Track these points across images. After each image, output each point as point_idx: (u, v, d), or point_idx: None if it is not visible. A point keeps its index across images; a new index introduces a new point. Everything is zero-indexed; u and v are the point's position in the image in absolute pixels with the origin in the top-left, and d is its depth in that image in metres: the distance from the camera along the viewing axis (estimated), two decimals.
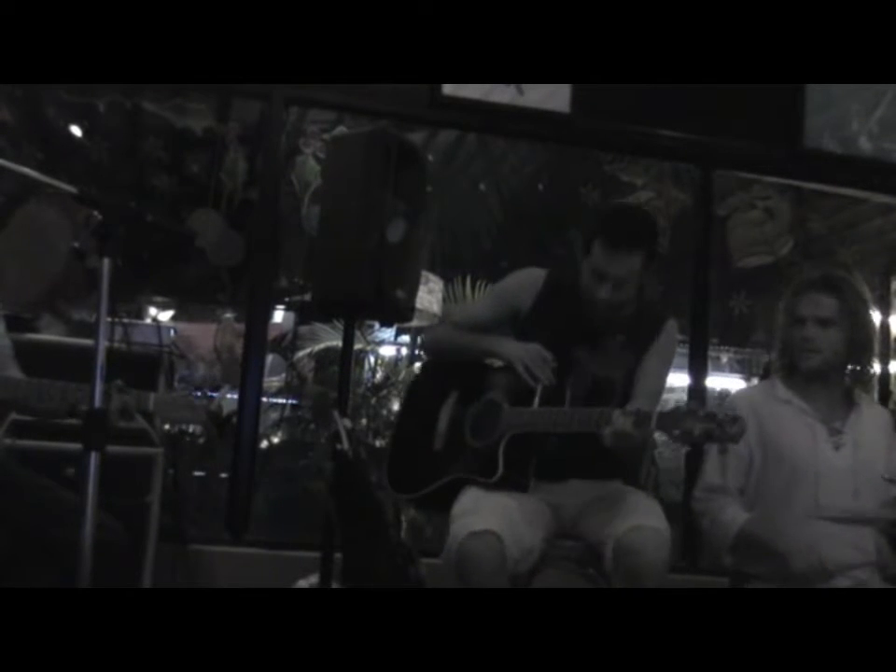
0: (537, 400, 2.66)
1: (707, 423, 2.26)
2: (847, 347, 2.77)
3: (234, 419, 3.76)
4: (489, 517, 2.49)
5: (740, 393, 3.04)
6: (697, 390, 4.44)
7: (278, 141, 4.22)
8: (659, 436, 2.65)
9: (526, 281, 2.92)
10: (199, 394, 5.36)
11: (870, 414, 2.85)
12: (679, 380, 5.67)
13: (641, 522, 2.49)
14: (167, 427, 3.50)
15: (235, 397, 4.02)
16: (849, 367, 2.82)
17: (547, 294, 2.86)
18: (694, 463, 4.28)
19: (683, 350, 4.80)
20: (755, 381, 7.27)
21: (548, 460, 2.72)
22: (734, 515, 2.71)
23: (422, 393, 3.02)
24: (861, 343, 2.79)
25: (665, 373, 2.87)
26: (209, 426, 2.79)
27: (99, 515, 1.95)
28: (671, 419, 2.33)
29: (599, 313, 2.73)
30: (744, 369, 8.09)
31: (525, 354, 2.72)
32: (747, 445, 2.77)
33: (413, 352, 6.52)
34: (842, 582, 2.59)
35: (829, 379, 2.80)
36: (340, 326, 4.88)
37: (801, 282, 2.86)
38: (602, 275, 2.69)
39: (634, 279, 2.72)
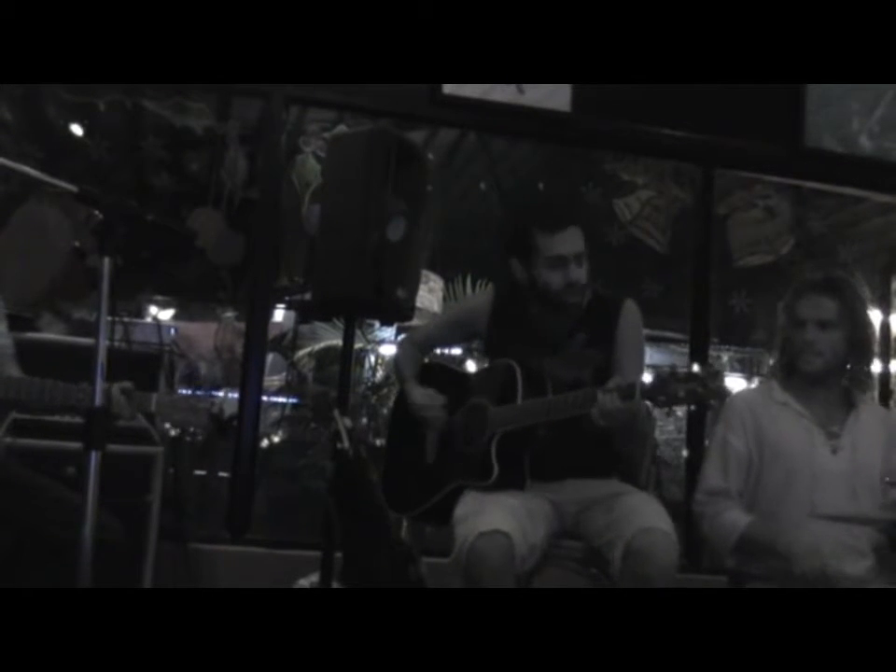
0: (520, 396, 2.67)
1: (689, 383, 2.31)
2: (848, 349, 2.76)
3: (235, 421, 3.76)
4: (496, 516, 2.49)
5: (738, 394, 3.03)
6: None
7: (278, 140, 4.23)
8: (660, 435, 2.66)
9: (476, 307, 3.01)
10: (200, 392, 5.37)
11: (869, 417, 2.83)
12: None
13: (651, 525, 2.49)
14: (168, 426, 3.50)
15: (236, 395, 4.03)
16: (849, 368, 2.81)
17: (497, 314, 2.92)
18: (695, 462, 4.31)
19: (684, 349, 4.82)
20: (756, 380, 7.28)
21: (544, 460, 2.72)
22: (735, 519, 2.70)
23: (406, 411, 3.02)
24: (862, 344, 2.78)
25: (640, 351, 2.89)
26: (211, 428, 2.78)
27: (99, 515, 1.95)
28: (654, 386, 2.37)
29: (566, 301, 2.75)
30: (745, 368, 8.09)
31: (420, 401, 2.90)
32: (746, 446, 2.76)
33: None
34: (842, 583, 2.58)
35: (828, 381, 2.79)
36: (340, 325, 4.89)
37: (801, 283, 2.85)
38: (559, 259, 2.72)
39: (584, 254, 2.76)
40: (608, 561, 2.52)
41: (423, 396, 2.91)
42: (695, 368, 2.34)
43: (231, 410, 3.63)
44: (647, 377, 2.46)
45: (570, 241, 2.73)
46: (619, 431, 2.60)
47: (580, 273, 2.74)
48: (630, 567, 2.44)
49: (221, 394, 5.84)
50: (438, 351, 4.95)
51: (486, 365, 2.97)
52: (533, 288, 2.78)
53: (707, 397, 2.33)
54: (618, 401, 2.40)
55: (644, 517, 2.54)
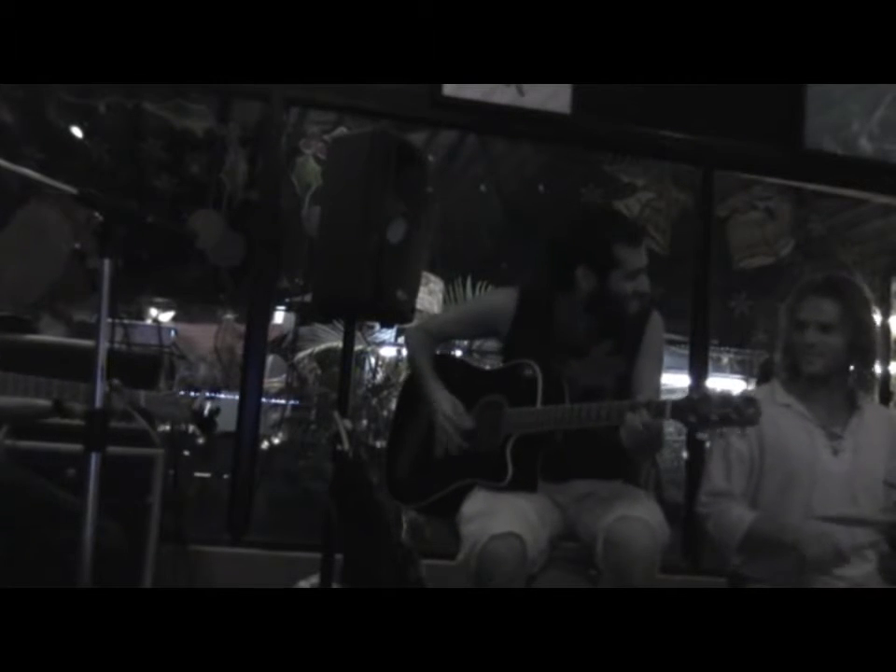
0: (540, 399, 2.66)
1: (723, 407, 2.26)
2: (849, 351, 2.74)
3: (216, 416, 3.74)
4: (509, 519, 2.48)
5: None
6: None
7: (279, 142, 4.23)
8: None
9: (499, 305, 2.93)
10: (192, 393, 5.36)
11: (873, 418, 2.81)
12: (679, 381, 5.67)
13: (627, 513, 2.48)
14: (168, 427, 3.50)
15: (222, 396, 4.01)
16: (852, 369, 2.80)
17: (522, 315, 2.86)
18: (696, 464, 4.30)
19: (684, 351, 4.81)
20: (754, 382, 7.27)
21: (552, 460, 2.71)
22: (740, 515, 2.69)
23: (414, 402, 2.98)
24: (864, 346, 2.77)
25: (660, 366, 2.87)
26: (192, 422, 2.81)
27: (99, 519, 1.95)
28: (686, 406, 2.33)
29: (631, 310, 2.72)
30: (744, 370, 8.09)
31: (445, 406, 2.79)
32: (749, 448, 2.76)
33: None
34: (841, 584, 2.58)
35: (831, 383, 2.78)
36: (340, 327, 4.89)
37: (803, 285, 2.84)
38: (637, 272, 2.70)
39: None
40: (594, 554, 2.52)
41: (449, 407, 2.81)
42: (731, 392, 2.31)
43: (214, 408, 3.59)
44: (679, 395, 2.43)
45: (644, 254, 2.73)
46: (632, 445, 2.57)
47: (647, 284, 2.73)
48: (609, 556, 2.44)
49: (201, 394, 5.84)
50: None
51: (503, 363, 2.92)
52: (601, 298, 2.71)
53: (740, 423, 2.27)
54: (646, 417, 2.37)
55: (623, 506, 2.53)
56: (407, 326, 3.48)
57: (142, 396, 2.70)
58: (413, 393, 3.01)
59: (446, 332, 3.17)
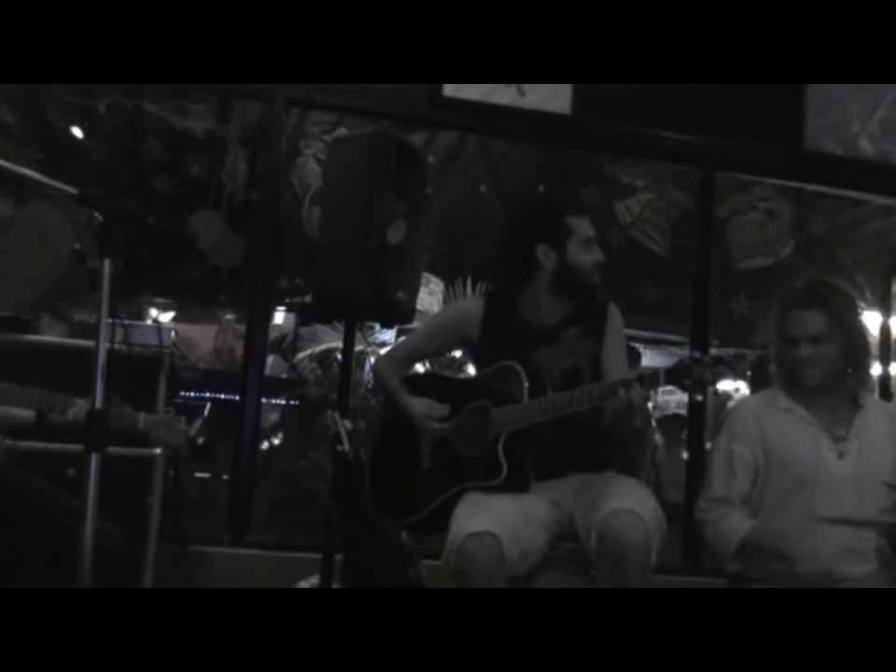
0: (526, 395, 2.68)
1: (715, 366, 2.38)
2: (844, 356, 2.73)
3: (211, 445, 3.76)
4: (487, 518, 2.49)
5: (742, 403, 3.02)
6: None
7: (279, 142, 4.23)
8: (660, 437, 2.66)
9: (466, 314, 2.99)
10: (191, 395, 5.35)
11: (877, 416, 2.79)
12: None
13: (618, 505, 2.47)
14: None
15: (222, 396, 4.01)
16: (850, 371, 2.79)
17: (490, 319, 2.91)
18: (696, 464, 4.30)
19: (683, 351, 4.81)
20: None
21: (544, 457, 2.72)
22: (737, 523, 2.68)
23: (394, 418, 2.99)
24: (857, 347, 2.75)
25: (625, 353, 2.98)
26: (187, 449, 2.83)
27: (99, 519, 1.95)
28: (680, 372, 2.43)
29: (594, 282, 2.85)
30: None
31: (418, 407, 2.87)
32: (752, 455, 2.75)
33: None
34: (844, 585, 2.57)
35: (830, 388, 2.78)
36: (340, 327, 4.89)
37: (786, 296, 2.82)
38: (589, 241, 2.85)
39: None
40: (589, 550, 2.52)
41: (423, 406, 2.87)
42: (718, 353, 2.38)
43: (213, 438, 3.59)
44: (670, 362, 2.51)
45: (591, 224, 2.87)
46: (622, 424, 2.62)
47: (601, 254, 2.86)
48: (603, 550, 2.45)
49: (199, 422, 5.82)
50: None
51: (483, 370, 2.94)
52: (563, 271, 2.82)
53: (734, 378, 2.38)
54: (640, 390, 2.45)
55: (617, 499, 2.53)
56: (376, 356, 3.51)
57: (141, 418, 2.72)
58: (389, 416, 3.02)
59: (417, 351, 3.23)
